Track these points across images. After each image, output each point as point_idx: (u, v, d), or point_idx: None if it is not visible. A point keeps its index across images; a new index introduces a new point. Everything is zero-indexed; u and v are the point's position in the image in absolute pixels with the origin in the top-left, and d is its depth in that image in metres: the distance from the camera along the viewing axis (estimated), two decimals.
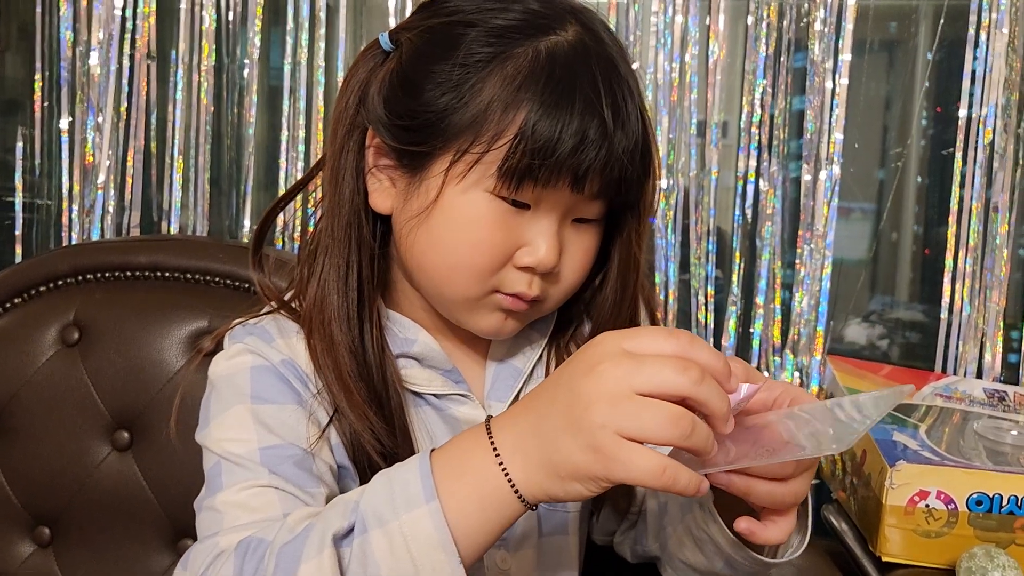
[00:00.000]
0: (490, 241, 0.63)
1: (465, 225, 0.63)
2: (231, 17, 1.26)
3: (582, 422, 0.49)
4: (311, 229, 0.73)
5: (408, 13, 1.20)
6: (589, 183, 0.61)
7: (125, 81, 1.27)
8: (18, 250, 1.32)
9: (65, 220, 1.29)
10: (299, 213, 0.81)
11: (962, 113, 1.16)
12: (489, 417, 0.55)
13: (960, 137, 1.16)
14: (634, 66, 1.18)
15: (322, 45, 1.24)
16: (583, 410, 0.49)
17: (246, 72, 1.26)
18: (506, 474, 0.52)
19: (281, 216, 0.77)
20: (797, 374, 1.20)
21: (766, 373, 1.22)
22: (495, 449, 0.52)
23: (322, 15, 1.24)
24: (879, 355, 1.32)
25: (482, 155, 0.60)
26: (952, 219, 1.18)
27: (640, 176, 0.64)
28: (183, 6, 1.25)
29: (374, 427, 0.65)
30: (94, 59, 1.26)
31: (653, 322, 0.78)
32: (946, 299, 1.19)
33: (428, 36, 0.64)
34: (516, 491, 0.52)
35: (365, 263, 0.68)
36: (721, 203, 1.23)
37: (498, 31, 0.61)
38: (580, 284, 0.68)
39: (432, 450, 0.55)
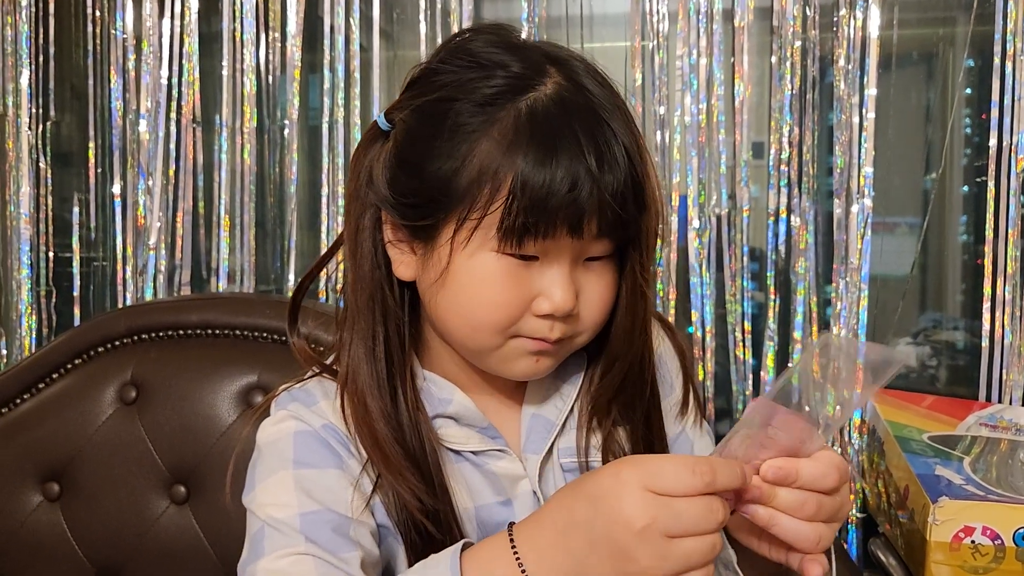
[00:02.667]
0: (504, 297, 0.65)
1: (478, 286, 0.65)
2: (271, 80, 1.32)
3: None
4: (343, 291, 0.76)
5: None
6: (587, 227, 0.63)
7: (173, 146, 1.33)
8: (76, 310, 1.38)
9: (120, 280, 1.35)
10: (341, 266, 0.84)
11: (992, 142, 1.16)
12: (512, 534, 0.58)
13: (992, 166, 1.16)
14: (662, 109, 1.21)
15: (358, 104, 1.29)
16: (629, 564, 0.53)
17: (286, 131, 1.31)
18: None
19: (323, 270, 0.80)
20: (838, 408, 1.20)
21: (807, 408, 1.22)
22: None
23: (357, 74, 1.29)
24: (926, 377, 1.31)
25: (480, 220, 0.63)
26: (988, 247, 1.17)
27: (635, 213, 0.65)
28: (225, 72, 1.31)
29: (413, 487, 0.67)
30: (143, 126, 1.33)
31: (678, 349, 0.80)
32: (986, 326, 1.18)
33: (418, 115, 0.67)
34: None
35: (392, 331, 0.71)
36: (754, 239, 1.24)
37: (481, 100, 0.64)
38: (605, 318, 0.70)
39: (462, 550, 0.59)
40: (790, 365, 0.58)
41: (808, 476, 0.57)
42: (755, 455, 0.58)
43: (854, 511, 1.20)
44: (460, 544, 0.60)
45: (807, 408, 0.59)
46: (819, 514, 0.57)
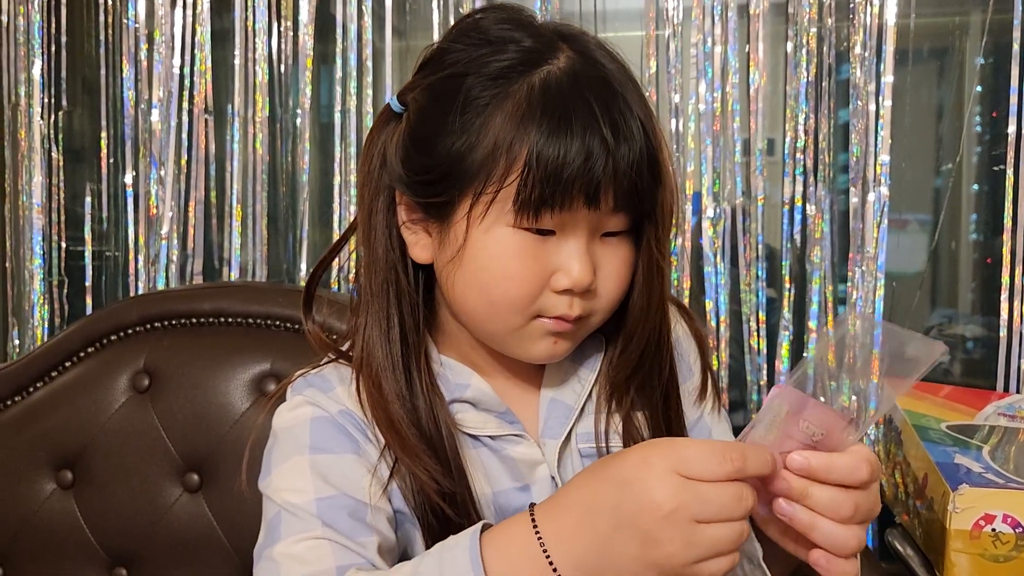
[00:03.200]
0: (522, 272, 0.65)
1: (495, 262, 0.65)
2: (283, 70, 1.32)
3: (659, 561, 0.53)
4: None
5: None
6: (603, 199, 0.63)
7: (185, 135, 1.32)
8: (88, 300, 1.38)
9: (132, 270, 1.35)
10: (353, 255, 0.84)
11: (1011, 129, 1.15)
12: (534, 515, 0.57)
13: (1010, 153, 1.15)
14: (676, 97, 1.20)
15: (370, 92, 1.28)
16: (655, 548, 0.53)
17: (298, 121, 1.31)
18: None
19: (336, 259, 0.80)
20: (854, 398, 1.19)
21: (822, 398, 1.21)
22: (553, 568, 0.55)
23: (369, 63, 1.28)
24: (940, 371, 1.30)
25: (496, 193, 0.63)
26: (1007, 236, 1.16)
27: (651, 184, 0.65)
28: (237, 62, 1.31)
29: (430, 469, 0.67)
30: (155, 116, 1.33)
31: (696, 334, 0.80)
32: (1004, 316, 1.17)
33: (430, 93, 0.67)
34: None
35: (407, 313, 0.71)
36: (769, 228, 1.23)
37: (493, 74, 0.64)
38: (622, 295, 0.70)
39: (481, 532, 0.58)
40: (806, 355, 0.57)
41: (841, 469, 0.56)
42: (782, 445, 0.57)
43: None
44: (479, 525, 0.59)
45: (824, 398, 0.58)
46: (856, 515, 0.56)
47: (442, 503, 0.67)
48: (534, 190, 0.62)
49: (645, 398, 0.74)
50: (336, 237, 1.29)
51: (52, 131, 1.37)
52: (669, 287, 0.77)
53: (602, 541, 0.54)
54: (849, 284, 1.19)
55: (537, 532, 0.56)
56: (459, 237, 0.66)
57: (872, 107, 1.16)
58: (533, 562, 0.56)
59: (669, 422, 0.75)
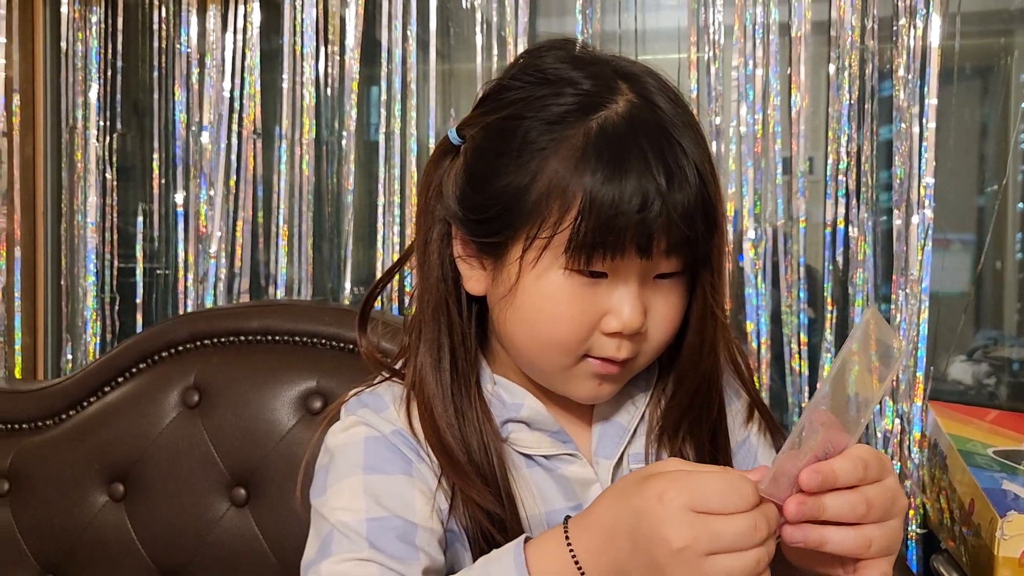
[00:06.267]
0: (571, 315, 0.65)
1: (547, 304, 0.66)
2: (329, 93, 1.35)
3: None
4: (411, 310, 0.77)
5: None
6: (656, 246, 0.63)
7: (234, 157, 1.36)
8: (139, 317, 1.41)
9: (181, 287, 1.38)
10: (397, 275, 0.86)
11: None
12: (567, 530, 0.59)
13: None
14: (717, 120, 1.21)
15: (414, 115, 1.31)
16: None
17: (344, 143, 1.34)
18: None
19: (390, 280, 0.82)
20: (898, 420, 1.18)
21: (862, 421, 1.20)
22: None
23: (413, 86, 1.31)
24: (986, 394, 1.28)
25: (550, 239, 0.64)
26: None
27: (705, 233, 0.65)
28: (285, 85, 1.34)
29: (480, 491, 0.68)
30: (205, 138, 1.36)
31: (739, 372, 0.79)
32: None
33: (488, 132, 0.68)
34: None
35: (457, 343, 0.72)
36: (811, 250, 1.23)
37: (551, 118, 0.64)
38: (671, 338, 0.70)
39: (524, 543, 0.60)
40: (834, 371, 0.56)
41: (844, 473, 0.55)
42: (796, 467, 0.56)
43: (914, 527, 1.17)
44: (521, 539, 0.60)
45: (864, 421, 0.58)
46: (871, 513, 0.55)
47: (491, 528, 0.68)
48: (587, 236, 0.62)
49: (694, 433, 0.75)
50: (380, 256, 1.32)
51: (107, 153, 1.42)
52: (730, 332, 0.76)
53: (623, 561, 0.56)
54: (892, 306, 1.19)
55: (570, 546, 0.58)
56: (511, 278, 0.66)
57: (916, 129, 1.16)
58: (569, 573, 0.58)
59: (715, 457, 0.76)
